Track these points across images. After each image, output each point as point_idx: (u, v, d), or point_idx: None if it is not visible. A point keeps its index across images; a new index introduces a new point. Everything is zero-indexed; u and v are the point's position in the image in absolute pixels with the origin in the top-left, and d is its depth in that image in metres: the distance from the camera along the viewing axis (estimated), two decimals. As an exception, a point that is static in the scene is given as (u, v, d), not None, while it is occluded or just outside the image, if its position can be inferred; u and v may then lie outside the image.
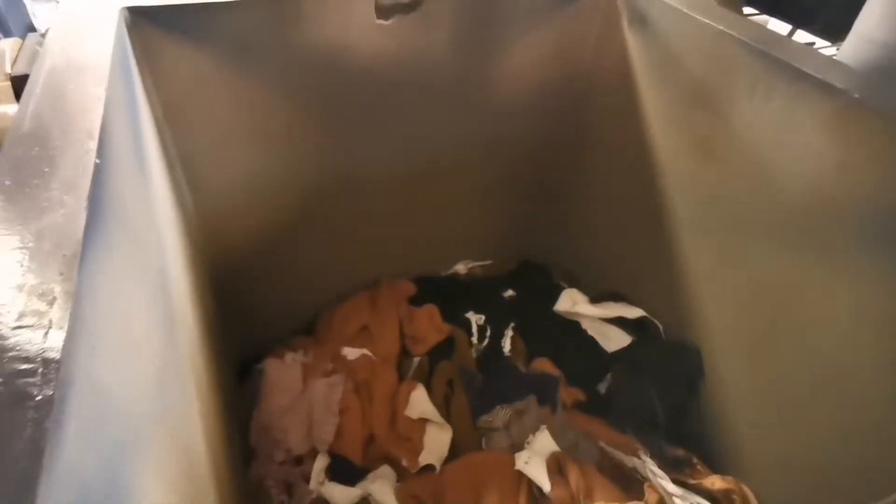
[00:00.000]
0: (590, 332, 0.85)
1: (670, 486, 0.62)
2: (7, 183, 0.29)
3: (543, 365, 0.82)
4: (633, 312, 0.82)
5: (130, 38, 0.51)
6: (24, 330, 0.23)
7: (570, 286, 0.93)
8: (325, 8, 0.59)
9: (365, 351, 0.83)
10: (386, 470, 0.71)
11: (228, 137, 0.64)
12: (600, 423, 0.74)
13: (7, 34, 0.51)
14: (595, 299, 0.88)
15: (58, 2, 0.57)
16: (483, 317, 0.90)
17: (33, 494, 0.18)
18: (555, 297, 0.90)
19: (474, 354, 0.85)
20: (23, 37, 0.53)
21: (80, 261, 0.25)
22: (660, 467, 0.65)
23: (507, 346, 0.86)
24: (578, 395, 0.77)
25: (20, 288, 0.24)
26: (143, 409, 0.32)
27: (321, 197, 0.76)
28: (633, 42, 0.70)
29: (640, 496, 0.62)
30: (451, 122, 0.77)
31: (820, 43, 0.79)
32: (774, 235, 0.58)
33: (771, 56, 0.53)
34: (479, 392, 0.78)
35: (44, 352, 0.22)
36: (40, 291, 0.24)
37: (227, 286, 0.75)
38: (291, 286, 0.84)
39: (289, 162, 0.70)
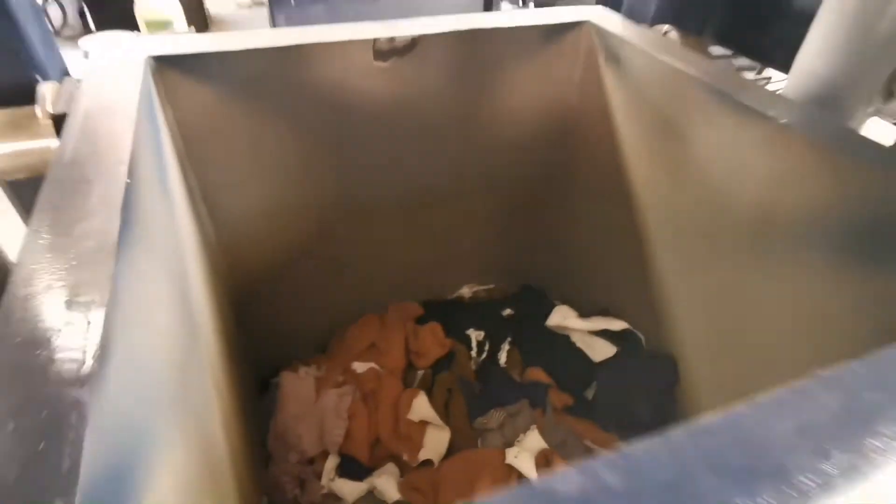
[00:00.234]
0: (578, 343, 0.90)
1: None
2: (56, 198, 0.36)
3: (536, 374, 0.86)
4: (617, 325, 0.87)
5: (155, 82, 0.57)
6: (75, 304, 0.28)
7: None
8: (327, 53, 0.64)
9: (373, 364, 0.88)
10: (391, 467, 0.77)
11: (245, 170, 0.69)
12: (587, 424, 0.79)
13: (45, 77, 0.59)
14: (584, 314, 0.93)
15: (86, 56, 0.65)
16: (482, 333, 0.95)
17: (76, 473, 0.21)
18: (549, 315, 0.96)
19: (473, 367, 0.90)
20: (59, 80, 0.56)
21: (116, 254, 0.31)
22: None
23: (503, 357, 0.91)
24: (567, 400, 0.82)
25: (69, 271, 0.30)
26: (162, 410, 0.35)
27: (333, 226, 0.80)
28: (609, 79, 0.76)
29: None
30: (450, 156, 0.81)
31: (780, 76, 0.87)
32: (727, 245, 0.64)
33: (717, 89, 0.61)
34: (476, 397, 0.84)
35: (89, 324, 0.27)
36: (87, 275, 0.30)
37: (248, 309, 0.79)
38: (307, 309, 0.88)
39: (302, 194, 0.75)
